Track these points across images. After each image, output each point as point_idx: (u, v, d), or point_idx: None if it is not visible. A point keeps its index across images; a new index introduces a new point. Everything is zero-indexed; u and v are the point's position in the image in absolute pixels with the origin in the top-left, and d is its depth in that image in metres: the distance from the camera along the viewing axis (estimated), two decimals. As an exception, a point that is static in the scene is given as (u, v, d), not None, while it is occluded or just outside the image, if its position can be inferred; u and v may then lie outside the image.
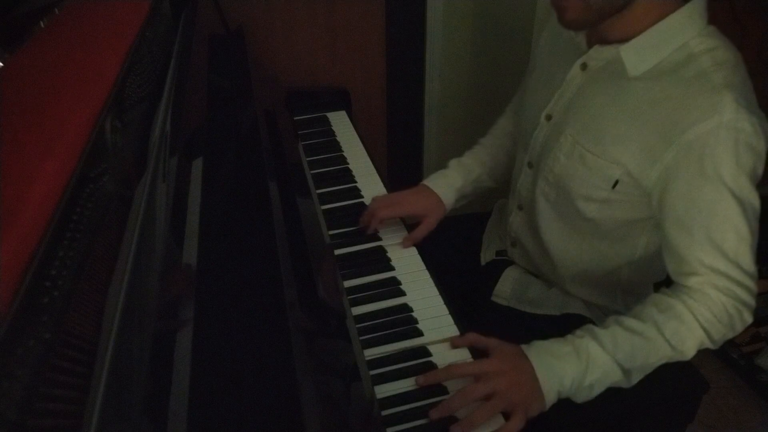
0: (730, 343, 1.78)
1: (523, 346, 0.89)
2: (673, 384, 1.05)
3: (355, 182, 1.33)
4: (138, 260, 0.64)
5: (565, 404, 0.92)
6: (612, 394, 0.92)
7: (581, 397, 0.89)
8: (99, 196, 0.64)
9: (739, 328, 0.91)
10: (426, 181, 1.23)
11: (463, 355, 0.92)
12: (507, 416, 0.83)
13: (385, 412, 0.83)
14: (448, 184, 1.22)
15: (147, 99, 0.94)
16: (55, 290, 0.50)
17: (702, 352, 0.92)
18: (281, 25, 1.89)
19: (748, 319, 0.91)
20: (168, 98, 1.00)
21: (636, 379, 0.90)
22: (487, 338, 0.91)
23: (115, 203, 0.68)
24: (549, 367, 0.86)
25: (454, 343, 0.93)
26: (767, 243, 1.00)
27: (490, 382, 0.83)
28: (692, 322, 0.88)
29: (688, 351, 0.90)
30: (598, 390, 0.89)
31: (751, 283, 0.89)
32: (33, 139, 0.62)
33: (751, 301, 0.90)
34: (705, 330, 0.89)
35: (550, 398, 0.86)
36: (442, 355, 0.92)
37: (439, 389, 0.86)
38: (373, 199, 1.18)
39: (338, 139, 1.49)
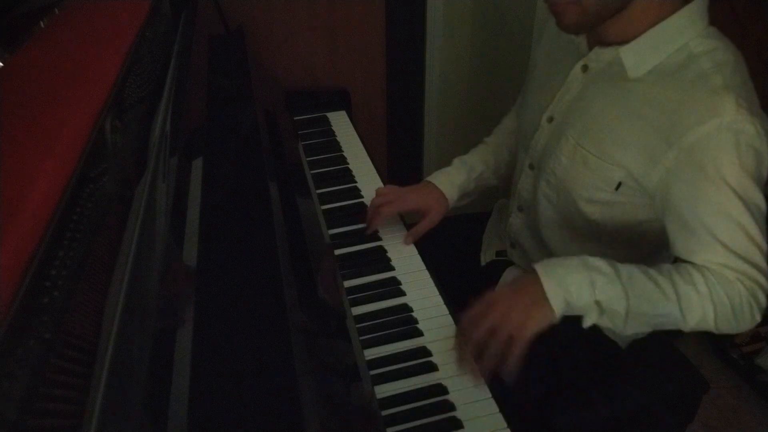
0: (730, 343, 1.78)
1: (534, 263, 0.88)
2: (674, 384, 1.05)
3: (355, 182, 1.33)
4: (138, 260, 0.64)
5: (565, 404, 0.92)
6: (613, 393, 0.92)
7: (587, 313, 0.86)
8: (99, 196, 0.64)
9: (745, 325, 0.88)
10: (429, 178, 1.23)
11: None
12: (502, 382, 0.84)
13: (385, 412, 0.83)
14: (450, 181, 1.22)
15: (147, 99, 0.94)
16: (55, 290, 0.50)
17: (702, 352, 0.92)
18: (281, 25, 1.89)
19: (757, 318, 0.88)
20: (168, 98, 1.00)
21: (630, 329, 0.88)
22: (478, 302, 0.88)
23: (115, 203, 0.68)
24: (554, 274, 0.85)
25: (460, 348, 0.90)
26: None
27: (490, 312, 0.84)
28: (706, 293, 0.86)
29: (691, 320, 0.87)
30: (594, 317, 0.86)
31: (765, 281, 0.87)
32: (33, 139, 0.62)
33: (765, 302, 0.88)
34: (714, 306, 0.86)
35: (557, 304, 0.83)
36: (443, 355, 0.92)
37: (440, 389, 0.86)
38: (377, 192, 1.18)
39: (338, 139, 1.49)
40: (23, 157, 0.59)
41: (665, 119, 0.88)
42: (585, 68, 0.99)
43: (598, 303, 0.85)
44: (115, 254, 0.63)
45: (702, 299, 0.86)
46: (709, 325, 0.88)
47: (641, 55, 0.91)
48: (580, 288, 0.84)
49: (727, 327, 0.88)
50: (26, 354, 0.45)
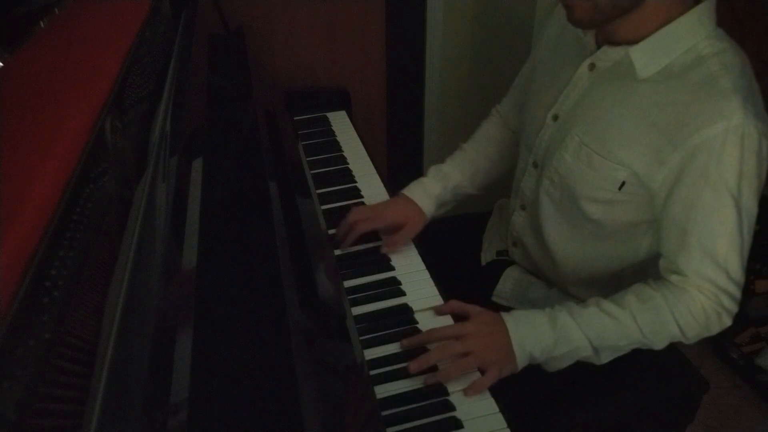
0: (730, 343, 1.78)
1: (503, 313, 0.94)
2: (674, 384, 1.05)
3: (355, 182, 1.33)
4: (138, 260, 0.64)
5: (565, 404, 0.92)
6: (612, 394, 0.92)
7: (551, 366, 0.95)
8: (99, 196, 0.64)
9: (716, 329, 0.93)
10: (405, 191, 1.21)
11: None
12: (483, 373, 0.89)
13: (385, 413, 0.83)
14: (426, 193, 1.19)
15: (147, 99, 0.94)
16: (55, 290, 0.50)
17: (702, 352, 0.93)
18: (281, 25, 1.89)
19: (727, 322, 0.93)
20: (168, 98, 1.00)
21: (606, 358, 0.96)
22: (468, 305, 0.97)
23: (115, 203, 0.68)
24: (523, 334, 0.91)
25: (438, 311, 0.99)
26: (768, 243, 1.00)
27: (467, 341, 0.90)
28: (668, 317, 0.91)
29: (659, 342, 0.94)
30: (567, 362, 0.95)
31: (735, 290, 0.91)
32: (33, 139, 0.62)
33: (733, 308, 0.92)
34: (680, 327, 0.91)
35: (522, 362, 0.92)
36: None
37: (440, 390, 0.86)
38: (351, 211, 1.15)
39: (338, 139, 1.49)
40: (23, 157, 0.58)
41: (672, 120, 0.88)
42: (592, 66, 0.98)
43: (560, 357, 0.93)
44: (115, 254, 0.63)
45: (664, 323, 0.92)
46: (680, 339, 0.94)
47: (651, 55, 0.90)
48: (543, 350, 0.92)
49: (698, 336, 0.94)
50: (26, 354, 0.45)
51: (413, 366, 0.88)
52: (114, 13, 1.04)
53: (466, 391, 0.86)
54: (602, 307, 0.93)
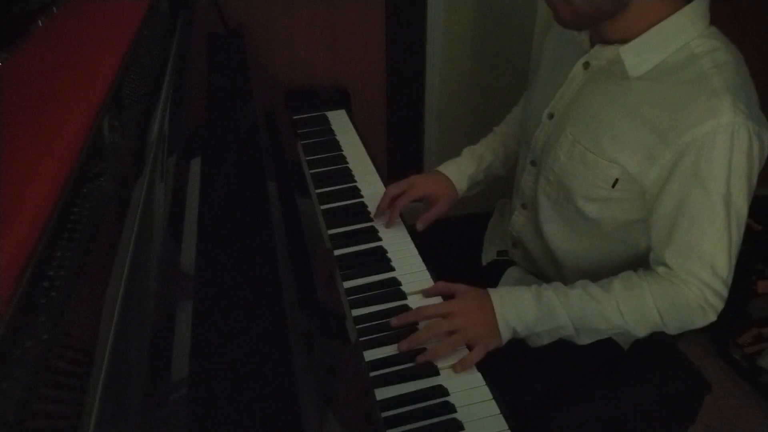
0: (732, 344, 1.78)
1: (490, 290, 0.97)
2: (675, 385, 1.05)
3: (355, 182, 1.32)
4: (136, 260, 0.64)
5: (566, 404, 0.91)
6: (613, 394, 0.92)
7: (533, 342, 0.98)
8: (97, 196, 0.64)
9: (700, 323, 0.94)
10: (439, 168, 1.25)
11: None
12: (471, 349, 0.91)
13: (385, 414, 0.82)
14: (460, 170, 1.24)
15: (145, 98, 0.94)
16: (53, 291, 0.50)
17: (704, 354, 0.92)
18: (281, 24, 1.89)
19: (712, 317, 0.94)
20: (166, 97, 0.99)
21: (585, 339, 0.98)
22: (455, 284, 1.00)
23: (113, 203, 0.68)
24: (507, 310, 0.94)
25: (426, 293, 1.01)
26: (768, 244, 1.00)
27: (454, 320, 0.92)
28: (651, 306, 0.92)
29: (639, 330, 0.96)
30: (548, 339, 0.97)
31: (720, 287, 0.91)
32: (31, 139, 0.61)
33: (718, 304, 0.92)
34: (661, 316, 0.93)
35: (505, 336, 0.94)
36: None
37: (441, 391, 0.86)
38: (388, 188, 1.20)
39: (338, 138, 1.48)
40: (21, 156, 0.58)
41: (664, 118, 0.88)
42: (586, 65, 0.99)
43: (541, 333, 0.96)
44: (114, 254, 0.63)
45: (646, 312, 0.93)
46: (660, 328, 0.95)
47: (641, 54, 0.91)
48: (526, 325, 0.94)
49: (679, 328, 0.96)
50: (24, 355, 0.44)
51: (403, 345, 0.90)
52: (112, 12, 1.03)
53: (454, 367, 0.88)
54: (588, 290, 0.95)
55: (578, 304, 0.94)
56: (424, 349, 0.90)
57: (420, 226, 1.16)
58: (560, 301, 0.94)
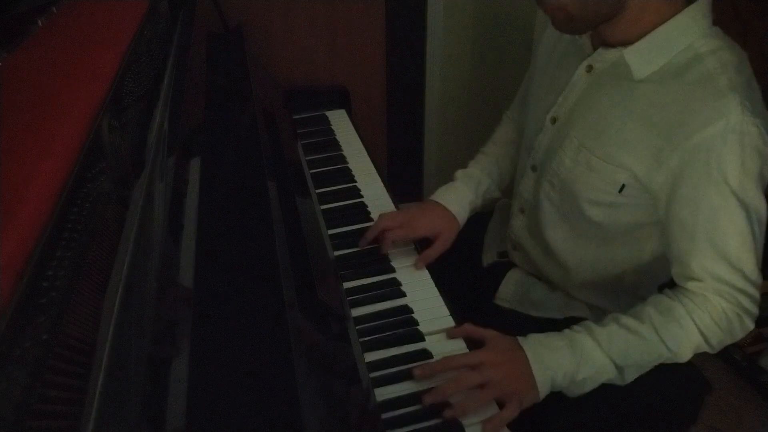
0: (732, 344, 1.77)
1: (520, 338, 0.89)
2: (676, 385, 1.05)
3: (355, 182, 1.32)
4: (136, 260, 0.64)
5: (566, 404, 0.91)
6: (614, 394, 0.92)
7: (574, 392, 0.90)
8: (97, 196, 0.64)
9: (739, 334, 0.91)
10: (437, 197, 1.18)
11: (459, 346, 0.92)
12: (502, 405, 0.84)
13: (385, 415, 0.82)
14: (460, 199, 1.18)
15: (145, 98, 0.94)
16: (53, 291, 0.50)
17: (704, 354, 0.92)
18: (281, 23, 1.89)
19: (750, 325, 0.90)
20: (166, 97, 0.99)
21: (630, 377, 0.92)
22: (484, 329, 0.92)
23: (113, 203, 0.68)
24: (543, 360, 0.86)
25: (451, 335, 0.94)
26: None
27: (485, 371, 0.84)
28: (690, 326, 0.88)
29: (685, 354, 0.91)
30: (591, 385, 0.89)
31: (753, 291, 0.89)
32: (31, 139, 0.61)
33: (753, 309, 0.90)
34: (703, 335, 0.89)
35: (544, 390, 0.86)
36: (440, 348, 0.91)
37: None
38: (381, 216, 1.12)
39: (338, 138, 1.48)
40: (21, 156, 0.58)
41: (670, 121, 0.87)
42: (589, 68, 0.98)
43: (583, 381, 0.88)
44: (113, 254, 0.62)
45: (688, 333, 0.88)
46: (705, 349, 0.90)
47: (646, 56, 0.90)
48: (565, 374, 0.87)
49: (722, 343, 0.91)
50: (24, 355, 0.44)
51: (428, 399, 0.82)
52: (112, 11, 1.03)
53: (484, 426, 0.80)
54: (621, 322, 0.89)
55: (616, 340, 0.88)
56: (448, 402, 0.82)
57: (420, 266, 1.08)
58: (596, 342, 0.88)
